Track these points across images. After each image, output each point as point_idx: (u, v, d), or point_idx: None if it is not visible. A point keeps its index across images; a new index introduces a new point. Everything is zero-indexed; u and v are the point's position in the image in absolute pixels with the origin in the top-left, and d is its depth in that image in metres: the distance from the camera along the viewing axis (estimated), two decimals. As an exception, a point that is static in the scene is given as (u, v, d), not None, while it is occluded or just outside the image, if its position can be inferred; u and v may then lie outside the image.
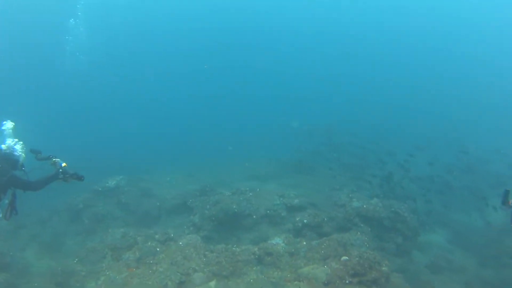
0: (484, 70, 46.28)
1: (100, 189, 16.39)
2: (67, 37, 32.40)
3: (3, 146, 6.81)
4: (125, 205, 15.95)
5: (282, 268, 10.59)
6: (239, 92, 45.72)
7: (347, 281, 9.26)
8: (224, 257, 10.93)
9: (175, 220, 15.11)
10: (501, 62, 48.37)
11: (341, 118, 28.84)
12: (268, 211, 13.66)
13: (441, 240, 15.33)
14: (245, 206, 13.66)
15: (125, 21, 50.05)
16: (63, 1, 35.28)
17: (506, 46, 51.78)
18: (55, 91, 35.78)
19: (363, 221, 13.24)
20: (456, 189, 17.28)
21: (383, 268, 9.73)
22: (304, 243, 11.78)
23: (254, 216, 13.48)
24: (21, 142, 7.12)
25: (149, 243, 12.20)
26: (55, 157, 7.38)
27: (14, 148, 6.89)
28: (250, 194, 14.72)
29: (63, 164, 7.25)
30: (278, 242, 12.02)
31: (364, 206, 13.63)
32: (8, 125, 7.09)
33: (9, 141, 6.92)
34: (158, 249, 11.83)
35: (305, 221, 13.10)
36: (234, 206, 13.52)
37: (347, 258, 10.15)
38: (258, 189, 15.32)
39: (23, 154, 7.13)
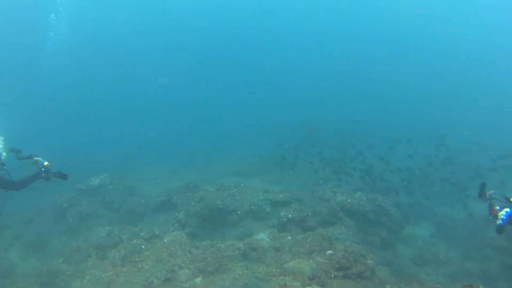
0: (466, 65, 46.81)
1: (84, 187, 16.33)
2: (48, 33, 31.93)
3: None
4: (110, 203, 15.91)
5: (268, 263, 10.68)
6: (223, 89, 45.85)
7: (333, 275, 9.32)
8: (209, 253, 11.01)
9: (160, 217, 15.06)
10: (484, 57, 48.95)
11: (322, 114, 29.02)
12: (252, 207, 13.72)
13: (425, 233, 15.40)
14: (229, 202, 13.70)
15: (109, 15, 49.62)
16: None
17: (488, 41, 52.40)
18: (37, 88, 35.39)
19: (347, 215, 13.33)
20: (437, 181, 17.45)
21: (368, 262, 9.83)
22: (289, 238, 11.91)
23: (239, 212, 13.52)
24: (2, 138, 7.08)
25: (134, 241, 12.22)
26: (37, 156, 7.36)
27: None
28: (235, 190, 14.74)
29: (45, 163, 7.23)
30: (263, 237, 12.14)
31: (348, 200, 13.73)
32: None
33: None
34: (143, 247, 11.86)
35: (289, 216, 13.16)
36: (219, 202, 13.55)
37: (332, 252, 10.27)
38: (242, 185, 15.33)
39: (4, 153, 7.09)
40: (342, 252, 9.97)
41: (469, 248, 13.72)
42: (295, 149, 21.42)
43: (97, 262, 11.39)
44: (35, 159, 7.33)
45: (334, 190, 15.00)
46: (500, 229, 5.56)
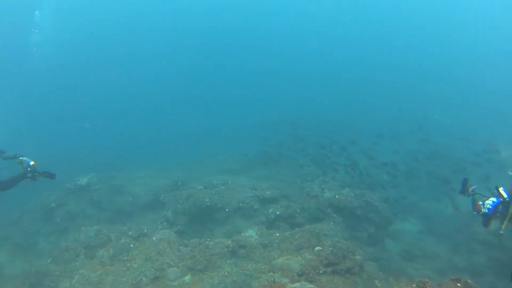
0: (452, 64, 47.33)
1: (72, 187, 16.23)
2: (33, 30, 31.49)
3: None
4: (98, 202, 15.84)
5: (256, 260, 10.77)
6: (210, 88, 45.83)
7: (321, 271, 9.40)
8: (198, 251, 11.07)
9: (148, 216, 15.05)
10: (470, 55, 49.52)
11: (305, 111, 29.18)
12: (240, 204, 13.78)
13: (413, 228, 15.57)
14: (217, 200, 13.76)
15: (95, 12, 49.20)
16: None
17: (469, 37, 52.98)
18: (22, 87, 34.97)
19: (335, 211, 13.47)
20: (422, 175, 17.68)
21: (357, 257, 9.94)
22: (277, 234, 12.01)
23: (227, 209, 13.58)
24: None
25: (123, 240, 12.23)
26: (22, 156, 7.33)
27: None
28: (222, 187, 14.83)
29: (31, 163, 7.21)
30: (251, 234, 12.21)
31: (336, 197, 13.86)
32: None
33: None
34: (131, 246, 11.88)
35: (277, 212, 13.27)
36: (207, 200, 13.61)
37: (320, 248, 10.36)
38: (230, 182, 15.39)
39: None
40: (330, 248, 10.06)
41: (457, 243, 13.89)
42: (279, 146, 21.54)
43: (85, 262, 11.39)
44: (20, 159, 7.31)
45: (322, 186, 15.09)
46: (485, 218, 5.54)
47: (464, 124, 24.67)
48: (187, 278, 10.23)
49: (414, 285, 5.62)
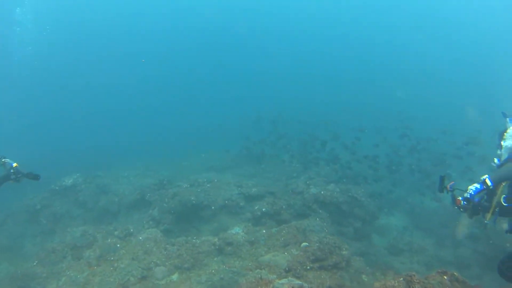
0: (435, 60, 47.93)
1: (57, 188, 16.17)
2: (15, 28, 31.02)
3: None
4: (83, 203, 15.80)
5: (243, 257, 10.81)
6: (191, 87, 45.97)
7: (308, 267, 9.42)
8: (184, 250, 11.09)
9: (134, 215, 15.04)
10: (452, 51, 50.13)
11: (286, 109, 29.30)
12: (226, 201, 13.86)
13: (399, 223, 15.70)
14: (203, 198, 13.82)
15: (78, 10, 48.66)
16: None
17: (453, 37, 53.64)
18: (3, 87, 34.54)
19: (321, 207, 13.53)
20: (404, 169, 17.88)
21: (343, 252, 9.98)
22: (264, 231, 12.03)
23: (213, 207, 13.65)
24: None
25: (109, 240, 12.20)
26: (4, 158, 7.28)
27: None
28: (208, 185, 14.88)
29: (14, 164, 7.16)
30: (237, 231, 12.24)
31: (322, 192, 13.91)
32: None
33: None
34: (118, 245, 11.84)
35: (263, 209, 13.33)
36: (192, 198, 13.66)
37: (307, 244, 10.39)
38: (215, 180, 15.46)
39: None
40: (317, 244, 10.08)
41: (442, 236, 14.05)
42: (261, 143, 21.65)
43: (72, 263, 11.32)
44: (2, 161, 7.26)
45: (307, 182, 15.18)
46: (466, 202, 5.45)
47: (446, 118, 24.97)
48: (174, 276, 10.26)
49: (401, 278, 5.67)
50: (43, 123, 32.08)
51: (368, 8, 57.04)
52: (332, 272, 9.46)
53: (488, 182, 5.25)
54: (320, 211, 13.37)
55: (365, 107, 30.89)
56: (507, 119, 5.85)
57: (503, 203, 5.35)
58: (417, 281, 5.51)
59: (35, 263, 11.56)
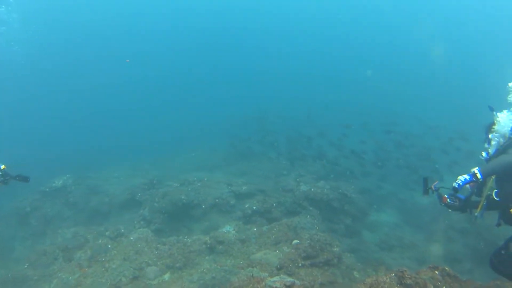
0: (423, 58, 48.27)
1: (47, 189, 16.07)
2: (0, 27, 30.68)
3: None
4: (74, 204, 15.71)
5: (235, 255, 10.90)
6: (178, 86, 45.96)
7: (300, 264, 9.52)
8: (176, 249, 11.16)
9: (125, 215, 14.98)
10: (439, 49, 50.50)
11: (272, 107, 29.41)
12: (217, 200, 13.88)
13: (389, 218, 15.68)
14: (193, 196, 13.84)
15: (64, 9, 48.25)
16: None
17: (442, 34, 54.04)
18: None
19: (312, 204, 13.64)
20: (391, 164, 18.03)
21: (335, 249, 10.10)
22: (255, 229, 12.13)
23: (203, 206, 13.67)
24: None
25: (100, 241, 12.23)
26: (-8, 160, 7.23)
27: None
28: (198, 184, 14.89)
29: (2, 166, 7.12)
30: (228, 230, 12.34)
31: (312, 190, 14.03)
32: None
33: None
34: (109, 246, 11.89)
35: (254, 207, 13.40)
36: (183, 197, 13.68)
37: (298, 241, 10.50)
38: (205, 179, 15.46)
39: None
40: (308, 241, 10.19)
41: (433, 232, 14.12)
42: (249, 141, 21.71)
43: (64, 265, 11.34)
44: (-11, 164, 7.20)
45: (298, 180, 15.29)
46: (453, 196, 5.49)
47: (433, 113, 25.21)
48: (166, 276, 10.31)
49: (393, 274, 5.75)
50: (32, 124, 31.82)
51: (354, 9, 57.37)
52: (323, 269, 9.56)
53: (478, 175, 5.19)
54: (311, 208, 13.48)
55: (352, 104, 30.95)
56: (494, 112, 5.88)
57: (494, 197, 5.42)
58: (409, 276, 5.59)
59: (26, 266, 11.54)
